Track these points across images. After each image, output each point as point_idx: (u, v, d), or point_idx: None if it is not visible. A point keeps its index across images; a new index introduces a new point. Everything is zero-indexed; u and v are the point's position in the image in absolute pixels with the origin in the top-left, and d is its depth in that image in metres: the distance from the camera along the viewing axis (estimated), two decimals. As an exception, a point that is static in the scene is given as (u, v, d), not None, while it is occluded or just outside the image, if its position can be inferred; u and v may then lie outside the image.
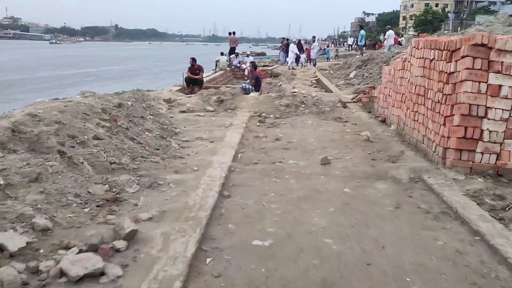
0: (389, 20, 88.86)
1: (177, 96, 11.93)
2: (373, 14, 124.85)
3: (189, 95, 12.50)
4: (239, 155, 6.33)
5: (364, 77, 18.68)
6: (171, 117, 8.93)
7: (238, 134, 7.48)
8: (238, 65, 24.95)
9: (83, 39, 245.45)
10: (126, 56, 78.21)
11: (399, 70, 8.02)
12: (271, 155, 6.44)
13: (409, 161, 5.86)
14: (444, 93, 5.79)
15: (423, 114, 6.53)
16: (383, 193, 4.87)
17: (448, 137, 5.56)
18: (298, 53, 25.05)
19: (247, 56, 26.10)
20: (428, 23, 66.56)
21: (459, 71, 5.44)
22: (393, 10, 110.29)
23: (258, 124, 8.82)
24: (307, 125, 8.69)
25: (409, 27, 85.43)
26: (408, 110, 7.26)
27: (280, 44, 34.10)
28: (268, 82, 22.20)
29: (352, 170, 5.61)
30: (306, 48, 27.96)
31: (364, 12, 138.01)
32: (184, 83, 15.39)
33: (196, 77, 15.12)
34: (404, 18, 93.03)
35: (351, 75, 20.22)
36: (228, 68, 23.85)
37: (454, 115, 5.47)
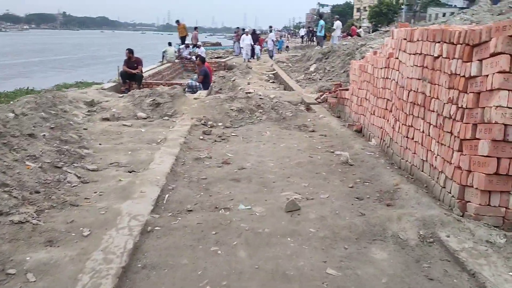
0: (343, 11, 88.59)
1: (104, 97, 9.67)
2: (327, 5, 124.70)
3: (121, 95, 10.26)
4: (167, 195, 4.31)
5: (326, 71, 17.03)
6: (84, 129, 6.73)
7: (171, 157, 5.45)
8: (189, 56, 22.65)
9: (28, 27, 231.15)
10: (78, 44, 73.23)
11: (382, 68, 6.25)
12: (214, 193, 4.47)
13: (411, 203, 4.07)
14: (459, 105, 4.03)
15: (422, 131, 4.78)
16: (386, 273, 3.04)
17: (469, 171, 3.82)
18: (253, 44, 23.08)
19: (198, 47, 23.79)
20: (383, 14, 66.40)
21: (487, 75, 3.68)
22: (347, 2, 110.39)
23: (201, 137, 6.81)
24: (265, 138, 6.76)
25: (363, 18, 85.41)
26: (397, 123, 5.50)
27: (234, 34, 32.02)
28: (221, 76, 20.13)
29: (332, 223, 3.73)
30: (260, 38, 26.00)
31: (319, 3, 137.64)
32: (120, 78, 13.05)
33: (133, 71, 12.80)
34: (359, 9, 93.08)
35: (311, 69, 18.55)
36: (177, 60, 21.52)
37: (479, 139, 3.72)
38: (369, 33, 32.25)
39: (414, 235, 3.52)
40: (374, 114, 6.55)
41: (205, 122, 7.59)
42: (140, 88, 12.93)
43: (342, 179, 4.93)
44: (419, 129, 4.85)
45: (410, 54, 5.19)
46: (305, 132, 7.36)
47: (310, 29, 43.74)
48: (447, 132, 4.24)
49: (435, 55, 4.49)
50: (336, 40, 22.64)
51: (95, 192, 4.23)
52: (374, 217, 3.80)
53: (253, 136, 6.89)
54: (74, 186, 4.39)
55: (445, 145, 4.26)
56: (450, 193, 4.10)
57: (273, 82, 16.50)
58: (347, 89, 10.58)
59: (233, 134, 7.02)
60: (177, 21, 25.98)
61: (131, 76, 12.91)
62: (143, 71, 13.29)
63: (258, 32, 46.90)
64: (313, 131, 7.44)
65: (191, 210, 4.00)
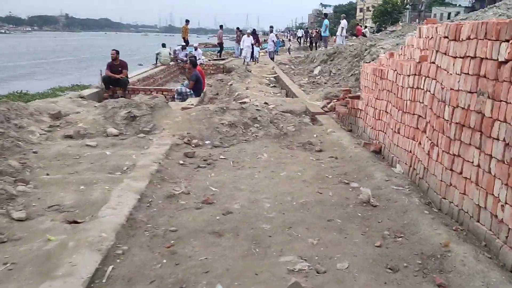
0: (346, 12, 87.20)
1: (77, 106, 8.33)
2: (330, 5, 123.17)
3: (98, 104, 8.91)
4: (110, 267, 2.94)
5: (332, 74, 15.68)
6: (34, 152, 5.37)
7: (134, 196, 4.08)
8: (185, 58, 21.27)
9: (30, 29, 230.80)
10: (82, 46, 72.09)
11: (410, 76, 4.88)
12: (183, 259, 3.10)
13: (476, 283, 2.70)
14: (549, 136, 2.66)
15: (477, 165, 3.41)
16: None
17: None
18: (254, 44, 21.72)
19: (195, 49, 22.46)
20: (388, 14, 64.86)
21: None
22: (350, 2, 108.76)
23: (182, 161, 5.45)
24: (260, 163, 5.38)
25: (367, 19, 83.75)
26: (435, 148, 4.12)
27: (235, 35, 30.73)
28: (219, 79, 18.80)
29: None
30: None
31: (321, 3, 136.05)
32: (102, 84, 11.72)
33: (117, 76, 11.47)
34: (361, 9, 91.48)
35: (316, 72, 17.20)
36: (172, 63, 20.19)
37: None
38: (373, 33, 30.83)
39: None
40: (398, 133, 5.17)
41: (189, 140, 6.23)
42: (126, 95, 11.64)
43: (364, 231, 3.55)
44: (472, 162, 3.48)
45: (455, 57, 3.81)
46: (311, 152, 5.99)
47: (307, 30, 42.32)
48: (524, 173, 2.87)
49: (502, 59, 3.11)
50: (341, 41, 21.27)
51: (4, 264, 2.87)
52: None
53: (246, 160, 5.52)
54: (-21, 250, 3.03)
55: (520, 191, 2.89)
56: (532, 265, 2.73)
57: (274, 86, 15.14)
58: (358, 97, 9.21)
59: (222, 156, 5.66)
60: (187, 21, 25.27)
61: (115, 81, 11.58)
62: (128, 76, 11.93)
63: (259, 33, 45.46)
64: (321, 150, 6.07)
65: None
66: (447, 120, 3.90)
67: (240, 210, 3.95)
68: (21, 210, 3.68)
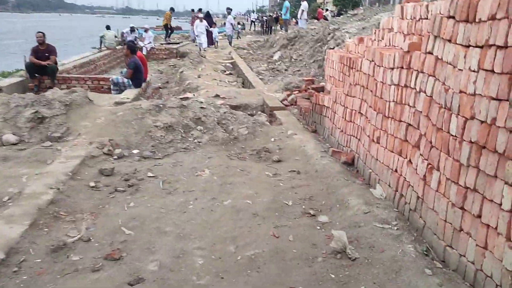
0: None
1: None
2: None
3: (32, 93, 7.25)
4: None
5: (293, 60, 14.46)
6: None
7: (-5, 254, 2.68)
8: (135, 42, 19.40)
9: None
10: (32, 28, 67.08)
11: (394, 69, 3.67)
12: None
13: None
14: None
15: (509, 210, 2.26)
16: None
17: None
18: (210, 28, 20.08)
19: (145, 30, 20.55)
20: (348, -2, 64.17)
21: None
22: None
23: (94, 182, 4.04)
24: (199, 185, 4.05)
25: (327, 2, 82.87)
26: (433, 173, 2.95)
27: (190, 18, 28.77)
28: (172, 65, 17.19)
29: None
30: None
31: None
32: (26, 72, 9.94)
33: (43, 63, 9.70)
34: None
35: (275, 57, 15.93)
36: (119, 46, 18.28)
37: None
38: (334, 17, 29.78)
39: None
40: (377, 142, 3.99)
41: (110, 149, 4.82)
42: (54, 84, 9.93)
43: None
44: (500, 204, 2.32)
45: (467, 46, 2.62)
46: (267, 164, 4.73)
47: (261, 16, 40.65)
48: None
49: (563, 50, 1.93)
50: (303, 24, 20.06)
51: None
52: None
53: (182, 179, 4.18)
54: None
55: None
56: None
57: (230, 73, 13.76)
58: (322, 88, 8.04)
59: (150, 174, 4.29)
60: (172, 9, 24.42)
61: (41, 68, 9.81)
62: (57, 62, 10.18)
63: (219, 16, 43.22)
64: (279, 160, 4.83)
65: None
66: (455, 137, 2.72)
67: (157, 274, 2.63)
68: None
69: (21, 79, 10.00)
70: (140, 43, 19.51)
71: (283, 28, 24.11)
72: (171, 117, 5.47)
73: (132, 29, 19.90)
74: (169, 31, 24.31)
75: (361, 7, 34.42)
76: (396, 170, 3.58)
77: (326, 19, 25.36)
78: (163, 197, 3.80)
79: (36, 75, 9.85)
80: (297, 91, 8.48)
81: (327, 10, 34.48)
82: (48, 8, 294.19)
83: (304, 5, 20.30)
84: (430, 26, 3.12)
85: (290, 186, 4.09)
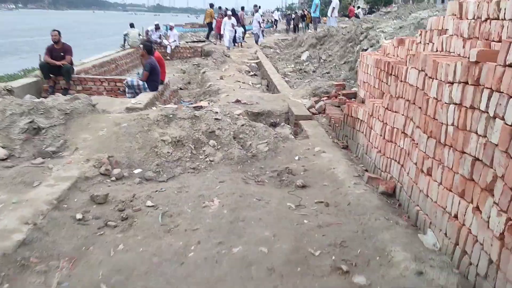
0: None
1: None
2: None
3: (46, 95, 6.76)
4: None
5: (321, 61, 13.59)
6: None
7: None
8: (159, 40, 18.97)
9: (14, 6, 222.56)
10: (67, 24, 68.64)
11: (455, 84, 2.84)
12: None
13: None
14: None
15: None
16: None
17: None
18: (236, 25, 19.34)
19: (170, 28, 20.05)
20: (381, -5, 62.28)
21: None
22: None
23: (81, 214, 3.39)
24: (205, 221, 3.31)
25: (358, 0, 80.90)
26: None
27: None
28: (196, 64, 16.55)
29: None
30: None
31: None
32: (40, 72, 9.50)
33: (58, 63, 9.22)
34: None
35: (303, 57, 15.08)
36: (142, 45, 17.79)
37: None
38: (365, 14, 28.58)
39: None
40: (429, 175, 3.17)
41: (109, 168, 4.16)
42: (69, 85, 9.47)
43: None
44: None
45: None
46: (289, 190, 3.98)
47: (288, 14, 39.38)
48: None
49: None
50: (333, 22, 19.10)
51: None
52: None
53: (185, 211, 3.47)
54: None
55: None
56: None
57: (254, 75, 13.03)
58: (354, 94, 7.22)
59: (149, 202, 3.60)
60: (211, 5, 23.27)
61: (56, 69, 9.34)
62: (72, 62, 9.68)
63: (248, 13, 42.26)
64: (304, 186, 4.06)
65: None
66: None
67: None
68: None
69: (36, 79, 9.56)
70: (165, 42, 19.04)
71: (309, 26, 23.17)
72: (181, 130, 4.78)
73: (157, 27, 19.42)
74: (210, 30, 23.08)
75: (394, 4, 33.06)
76: (456, 216, 2.75)
77: (358, 17, 24.31)
78: (160, 237, 3.10)
79: (51, 75, 9.40)
80: (326, 97, 7.69)
81: (358, 7, 33.25)
82: (82, 5, 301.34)
83: (335, 2, 19.31)
84: (514, 29, 2.29)
85: (316, 224, 3.31)
